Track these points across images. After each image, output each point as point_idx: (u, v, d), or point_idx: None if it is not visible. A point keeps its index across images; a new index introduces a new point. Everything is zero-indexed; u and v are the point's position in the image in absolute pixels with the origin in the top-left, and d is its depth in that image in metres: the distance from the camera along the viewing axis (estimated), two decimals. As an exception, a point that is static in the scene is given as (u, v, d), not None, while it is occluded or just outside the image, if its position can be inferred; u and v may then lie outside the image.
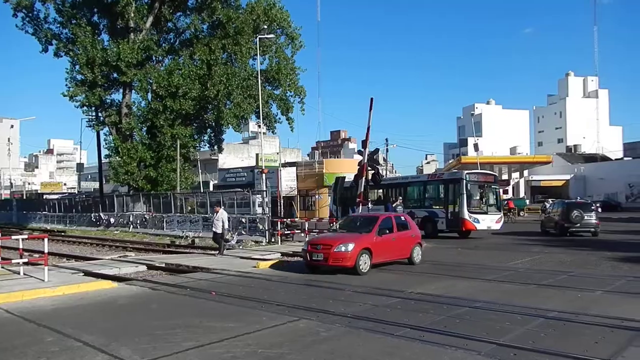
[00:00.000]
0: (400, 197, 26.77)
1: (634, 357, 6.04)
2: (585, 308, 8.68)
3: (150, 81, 34.23)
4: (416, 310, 8.73)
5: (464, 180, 23.59)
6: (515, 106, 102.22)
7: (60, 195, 63.93)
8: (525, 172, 68.68)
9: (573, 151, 78.64)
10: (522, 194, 64.68)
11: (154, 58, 35.70)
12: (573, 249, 17.25)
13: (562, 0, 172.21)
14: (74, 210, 43.77)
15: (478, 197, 24.75)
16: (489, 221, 23.96)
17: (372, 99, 20.28)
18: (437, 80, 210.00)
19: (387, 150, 59.31)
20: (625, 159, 70.64)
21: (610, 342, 6.67)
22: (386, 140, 64.42)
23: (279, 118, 36.82)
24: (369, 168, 20.78)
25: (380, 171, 26.31)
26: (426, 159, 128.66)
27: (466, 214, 23.22)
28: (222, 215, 18.38)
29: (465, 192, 23.48)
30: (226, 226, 18.63)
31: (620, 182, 58.53)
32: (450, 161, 79.37)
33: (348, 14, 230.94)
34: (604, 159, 71.75)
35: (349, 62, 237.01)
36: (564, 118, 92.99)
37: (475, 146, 64.91)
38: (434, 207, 25.71)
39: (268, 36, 33.13)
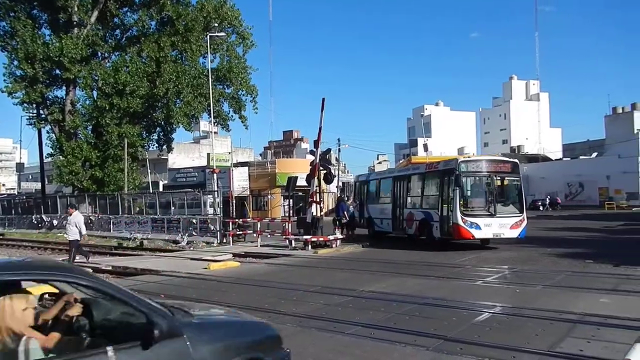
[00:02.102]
0: (353, 198, 26.37)
1: (571, 346, 6.35)
2: (527, 302, 9.04)
3: (96, 78, 33.11)
4: (367, 308, 8.85)
5: (457, 172, 17.52)
6: (462, 108, 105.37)
7: (-1, 197, 60.86)
8: (472, 172, 70.73)
9: (517, 152, 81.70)
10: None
11: (99, 54, 34.57)
12: (517, 245, 17.93)
13: (506, 6, 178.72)
14: (13, 212, 41.72)
15: (482, 193, 18.27)
16: (498, 226, 17.34)
17: (323, 99, 20.40)
18: (387, 80, 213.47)
19: (339, 150, 59.84)
20: (564, 159, 74.16)
21: (549, 333, 6.98)
22: (338, 140, 65.01)
23: (232, 116, 36.46)
24: (321, 168, 20.88)
25: (332, 171, 26.48)
26: (378, 159, 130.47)
27: (459, 218, 17.11)
28: (75, 218, 15.69)
29: (458, 187, 17.36)
30: (83, 231, 15.74)
31: (560, 182, 61.37)
32: (400, 161, 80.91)
33: (299, 13, 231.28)
34: (545, 159, 75.01)
35: (301, 61, 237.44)
36: (508, 120, 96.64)
37: (425, 146, 66.43)
38: (429, 207, 19.33)
39: (219, 34, 32.72)
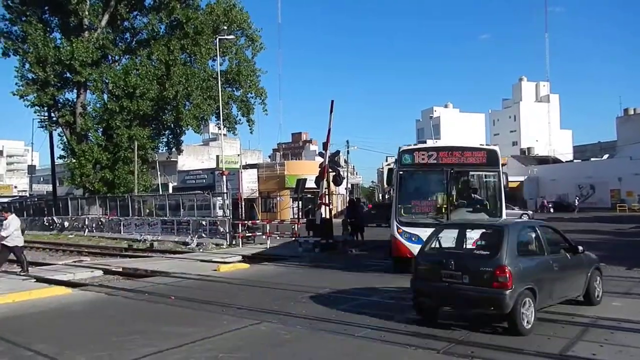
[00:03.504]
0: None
1: (584, 350, 6.29)
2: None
3: (106, 81, 33.34)
4: (376, 310, 8.82)
5: (398, 164, 13.59)
6: (472, 109, 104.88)
7: (11, 199, 61.41)
8: (482, 174, 70.39)
9: (527, 154, 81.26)
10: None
11: (110, 57, 34.80)
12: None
13: (516, 8, 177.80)
14: (25, 214, 42.04)
15: (430, 194, 13.72)
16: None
17: (332, 102, 20.35)
18: (397, 83, 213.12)
19: (348, 152, 59.78)
20: (575, 161, 73.57)
21: (561, 337, 6.92)
22: (347, 142, 64.92)
23: (240, 119, 36.62)
24: (330, 170, 20.86)
25: (341, 173, 26.45)
26: (387, 160, 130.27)
27: (395, 228, 13.06)
28: (11, 221, 13.97)
29: (398, 185, 13.39)
30: (17, 238, 13.98)
31: (570, 184, 60.87)
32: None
33: (308, 16, 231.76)
34: (556, 161, 74.49)
35: (310, 64, 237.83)
36: (517, 121, 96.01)
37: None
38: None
39: (228, 37, 32.86)
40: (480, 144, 13.50)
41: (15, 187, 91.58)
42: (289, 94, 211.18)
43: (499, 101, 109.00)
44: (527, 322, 7.08)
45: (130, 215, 30.45)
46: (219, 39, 31.65)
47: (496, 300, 6.94)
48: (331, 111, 20.36)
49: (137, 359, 6.24)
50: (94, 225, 32.36)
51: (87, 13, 32.59)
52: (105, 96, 34.08)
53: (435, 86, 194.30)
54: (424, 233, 11.30)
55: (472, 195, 13.61)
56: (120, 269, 15.56)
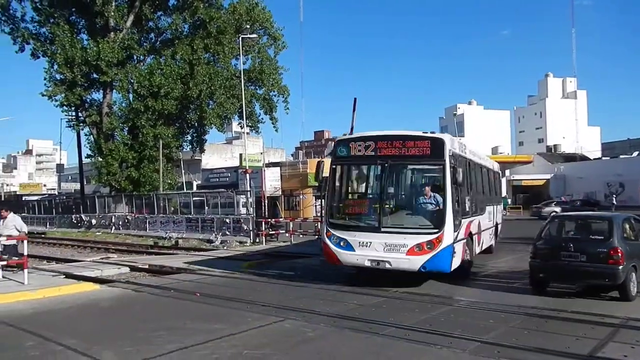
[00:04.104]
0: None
1: (614, 352, 6.15)
2: (566, 305, 8.80)
3: (132, 81, 33.86)
4: (401, 309, 8.77)
5: (332, 157, 11.92)
6: (496, 106, 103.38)
7: (40, 197, 62.88)
8: (507, 172, 69.47)
9: (553, 151, 79.67)
10: (504, 193, 65.29)
11: (135, 57, 35.31)
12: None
13: (540, 2, 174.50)
14: (54, 212, 43.09)
15: (362, 192, 12.56)
16: (384, 248, 10.41)
17: (355, 99, 20.34)
18: (419, 81, 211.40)
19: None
20: (603, 158, 71.88)
21: (591, 338, 6.78)
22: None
23: (262, 118, 36.85)
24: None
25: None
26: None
27: (324, 231, 11.40)
28: (13, 221, 13.33)
29: (330, 182, 11.54)
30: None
31: (599, 181, 59.51)
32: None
33: (330, 15, 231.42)
34: (583, 158, 72.90)
35: (332, 62, 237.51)
36: (544, 118, 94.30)
37: (458, 146, 65.43)
38: None
39: (250, 36, 33.05)
40: (425, 132, 10.78)
41: (45, 185, 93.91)
42: (312, 92, 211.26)
43: (524, 98, 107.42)
44: (633, 291, 9.21)
45: (156, 213, 30.90)
46: (242, 38, 31.86)
47: (612, 274, 8.94)
48: (354, 109, 20.36)
49: (164, 355, 6.32)
50: (120, 223, 32.93)
51: (112, 14, 33.12)
52: (130, 96, 34.62)
53: (458, 84, 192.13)
54: (353, 238, 10.72)
55: (412, 193, 11.87)
56: (147, 266, 15.78)
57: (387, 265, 10.41)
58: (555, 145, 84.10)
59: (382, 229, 10.53)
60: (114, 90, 35.09)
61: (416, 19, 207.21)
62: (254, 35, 33.71)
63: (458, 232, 10.73)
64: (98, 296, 10.54)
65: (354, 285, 10.99)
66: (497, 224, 17.22)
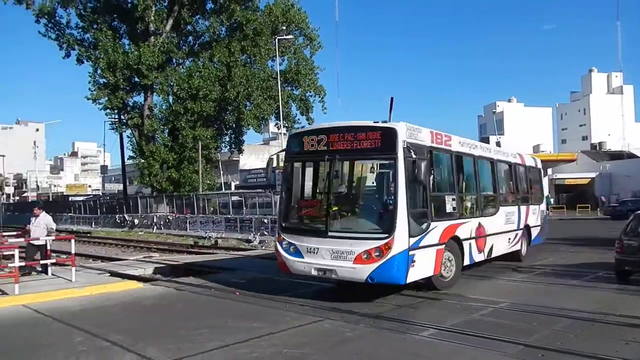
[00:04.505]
0: None
1: (667, 358, 5.90)
2: (613, 307, 8.49)
3: (171, 83, 34.65)
4: (441, 310, 8.66)
5: (285, 154, 10.75)
6: (537, 104, 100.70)
7: (85, 197, 65.11)
8: (549, 171, 67.57)
9: (598, 148, 77.01)
10: (546, 193, 63.53)
11: (174, 61, 36.13)
12: (600, 247, 16.84)
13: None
14: (98, 212, 44.54)
15: (311, 191, 10.85)
16: (331, 256, 9.16)
17: (392, 99, 19.94)
18: (456, 80, 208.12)
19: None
20: (652, 155, 68.99)
21: (641, 342, 6.52)
22: (406, 139, 63.94)
23: (299, 119, 37.07)
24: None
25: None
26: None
27: (276, 237, 10.58)
28: (44, 219, 13.29)
29: (283, 179, 11.24)
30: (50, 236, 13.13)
31: (647, 180, 57.18)
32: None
33: (365, 14, 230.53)
34: (631, 156, 70.09)
35: (368, 62, 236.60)
36: (587, 115, 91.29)
37: (497, 144, 64.07)
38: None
39: (286, 37, 33.34)
40: (376, 122, 9.38)
41: (89, 186, 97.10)
42: (347, 92, 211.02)
43: (566, 94, 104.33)
44: None
45: (196, 213, 31.51)
46: (278, 39, 32.16)
47: None
48: (390, 108, 20.04)
49: (205, 352, 6.44)
50: (162, 223, 33.74)
51: (152, 19, 33.97)
52: (170, 98, 35.43)
53: (497, 82, 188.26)
54: (302, 244, 9.57)
55: (363, 192, 10.42)
56: (188, 265, 16.09)
57: (334, 276, 9.20)
58: (600, 143, 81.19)
59: (330, 234, 9.23)
60: (155, 93, 35.98)
61: (452, 18, 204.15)
62: (290, 37, 33.99)
63: (422, 237, 9.18)
64: (141, 294, 10.81)
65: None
66: (528, 226, 14.92)
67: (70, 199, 65.89)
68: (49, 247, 12.80)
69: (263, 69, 35.25)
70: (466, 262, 11.00)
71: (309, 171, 10.69)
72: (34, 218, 13.30)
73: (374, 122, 9.37)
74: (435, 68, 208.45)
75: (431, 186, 9.74)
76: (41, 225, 13.08)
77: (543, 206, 16.99)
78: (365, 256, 8.78)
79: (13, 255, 11.16)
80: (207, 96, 32.66)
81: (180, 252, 22.52)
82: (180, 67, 36.60)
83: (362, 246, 8.86)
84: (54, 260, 13.02)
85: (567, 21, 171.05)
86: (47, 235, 12.86)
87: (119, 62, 32.76)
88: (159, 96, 35.81)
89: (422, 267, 9.32)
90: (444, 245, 9.93)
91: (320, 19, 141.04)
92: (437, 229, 9.70)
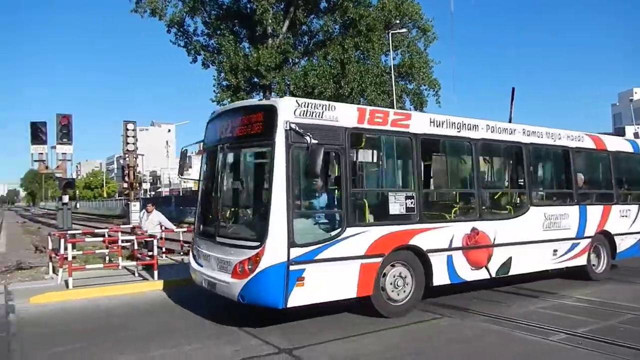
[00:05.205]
0: None
1: None
2: None
3: (288, 83, 35.84)
4: (572, 315, 8.06)
5: (203, 143, 9.22)
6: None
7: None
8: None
9: None
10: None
11: (290, 60, 37.30)
12: None
13: None
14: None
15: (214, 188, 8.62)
16: (217, 266, 7.69)
17: (513, 89, 18.93)
18: (585, 67, 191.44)
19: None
20: None
21: None
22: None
23: (412, 113, 36.46)
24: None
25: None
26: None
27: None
28: (158, 217, 14.11)
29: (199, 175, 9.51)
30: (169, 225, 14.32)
31: None
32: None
33: (480, 4, 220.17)
34: None
35: (485, 52, 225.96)
36: None
37: (635, 135, 57.99)
38: None
39: (400, 31, 32.99)
40: (262, 99, 7.99)
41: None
42: (463, 85, 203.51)
43: None
44: None
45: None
46: (391, 34, 31.90)
47: None
48: (512, 99, 19.05)
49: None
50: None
51: (270, 22, 35.36)
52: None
53: (632, 66, 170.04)
54: (199, 250, 8.25)
55: (249, 189, 8.67)
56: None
57: (218, 290, 7.51)
58: None
59: (217, 239, 7.77)
60: (273, 93, 37.47)
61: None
62: (404, 30, 33.59)
63: (324, 247, 7.06)
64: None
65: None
66: (607, 233, 11.17)
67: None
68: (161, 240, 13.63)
69: (376, 64, 35.17)
70: (440, 280, 8.28)
71: (206, 167, 8.91)
72: (146, 214, 14.00)
73: (259, 100, 7.85)
74: (559, 53, 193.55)
75: (352, 180, 7.48)
76: (154, 222, 13.79)
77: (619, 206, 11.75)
78: (240, 269, 6.99)
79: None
80: (322, 93, 33.33)
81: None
82: (296, 66, 37.72)
83: (240, 256, 7.07)
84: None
85: None
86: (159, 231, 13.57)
87: (240, 65, 34.56)
88: (277, 95, 37.23)
89: (326, 287, 7.11)
90: (381, 259, 7.56)
91: (434, 10, 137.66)
92: (363, 236, 7.40)
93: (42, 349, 6.48)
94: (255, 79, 36.39)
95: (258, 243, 6.85)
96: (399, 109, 34.58)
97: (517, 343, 6.61)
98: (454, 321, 7.68)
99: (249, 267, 6.83)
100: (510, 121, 19.59)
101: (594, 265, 11.05)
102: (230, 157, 8.16)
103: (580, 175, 10.95)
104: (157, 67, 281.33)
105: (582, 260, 10.65)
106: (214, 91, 36.89)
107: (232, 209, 8.50)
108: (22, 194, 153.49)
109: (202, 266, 8.09)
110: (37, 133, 14.93)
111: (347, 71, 33.28)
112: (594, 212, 10.94)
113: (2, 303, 9.13)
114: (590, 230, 10.73)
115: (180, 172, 8.66)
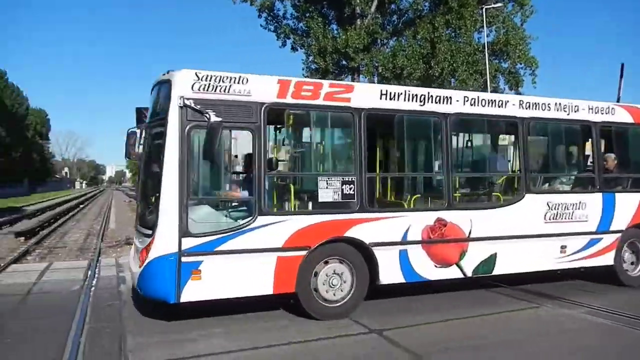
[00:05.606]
0: None
1: None
2: None
3: (376, 64, 35.46)
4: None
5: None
6: None
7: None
8: None
9: None
10: None
11: (378, 41, 36.82)
12: None
13: None
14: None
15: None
16: (135, 255, 7.39)
17: (622, 65, 17.43)
18: None
19: None
20: None
21: None
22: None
23: (507, 94, 34.79)
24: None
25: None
26: None
27: None
28: None
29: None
30: None
31: None
32: None
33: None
34: None
35: (588, 28, 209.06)
36: None
37: None
38: None
39: (494, 5, 31.40)
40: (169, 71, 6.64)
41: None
42: (561, 62, 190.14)
43: None
44: None
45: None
46: (485, 9, 30.44)
47: None
48: (621, 76, 17.57)
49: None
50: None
51: (358, 1, 35.08)
52: (375, 79, 36.35)
53: None
54: (133, 248, 7.66)
55: (151, 178, 7.37)
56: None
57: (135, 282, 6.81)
58: None
59: (137, 227, 7.28)
60: (361, 75, 37.30)
61: None
62: (499, 4, 31.91)
63: (227, 238, 6.27)
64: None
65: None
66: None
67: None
68: None
69: (469, 42, 33.72)
70: (390, 279, 7.10)
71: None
72: None
73: (163, 74, 6.74)
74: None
75: (267, 163, 6.57)
76: None
77: None
78: (141, 259, 6.51)
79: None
80: (411, 75, 32.68)
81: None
82: (385, 47, 37.18)
83: (143, 245, 6.58)
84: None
85: None
86: None
87: (328, 47, 34.69)
88: (365, 77, 37.00)
89: (230, 282, 6.32)
90: (305, 252, 6.60)
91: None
92: (280, 226, 6.51)
93: (150, 316, 6.98)
94: (344, 62, 36.38)
95: (150, 232, 6.35)
96: (493, 89, 33.12)
97: (620, 335, 6.19)
98: (552, 311, 7.35)
99: (145, 257, 6.33)
100: (618, 101, 18.18)
101: (631, 265, 8.94)
102: (146, 140, 7.37)
103: (612, 156, 8.97)
104: (245, 54, 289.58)
105: (606, 260, 8.65)
106: (303, 74, 37.38)
107: (145, 196, 7.56)
108: (128, 175, 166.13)
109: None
110: (142, 118, 16.05)
111: (438, 51, 32.29)
112: (627, 201, 8.83)
113: (114, 274, 9.96)
114: (621, 223, 8.70)
115: (127, 155, 7.81)
